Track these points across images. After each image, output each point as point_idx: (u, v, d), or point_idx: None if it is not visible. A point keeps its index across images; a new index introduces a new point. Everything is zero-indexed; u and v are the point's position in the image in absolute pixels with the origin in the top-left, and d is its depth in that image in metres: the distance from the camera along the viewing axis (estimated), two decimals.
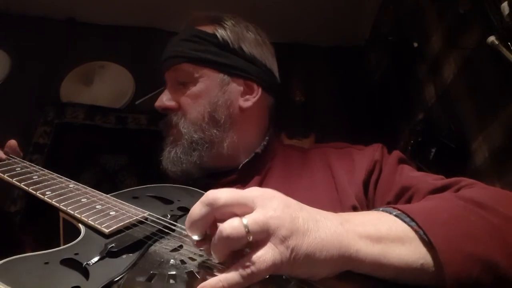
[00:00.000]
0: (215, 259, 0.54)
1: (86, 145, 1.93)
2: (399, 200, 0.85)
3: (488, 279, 0.56)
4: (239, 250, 0.52)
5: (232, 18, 1.09)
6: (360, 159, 0.96)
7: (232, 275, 0.50)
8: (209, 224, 0.54)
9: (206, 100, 1.02)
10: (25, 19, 2.17)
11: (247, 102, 1.05)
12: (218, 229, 0.51)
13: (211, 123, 1.01)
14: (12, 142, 0.98)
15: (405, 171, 0.91)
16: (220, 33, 1.04)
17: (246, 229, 0.50)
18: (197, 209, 0.54)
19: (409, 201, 0.83)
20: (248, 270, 0.49)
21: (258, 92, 1.06)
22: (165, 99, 1.05)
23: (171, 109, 1.04)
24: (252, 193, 0.55)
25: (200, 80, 1.03)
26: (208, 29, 1.05)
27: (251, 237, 0.50)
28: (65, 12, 2.22)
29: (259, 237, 0.51)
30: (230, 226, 0.50)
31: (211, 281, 0.50)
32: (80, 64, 2.12)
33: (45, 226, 0.81)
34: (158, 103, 1.05)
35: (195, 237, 0.56)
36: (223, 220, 0.52)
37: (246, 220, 0.51)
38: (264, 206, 0.53)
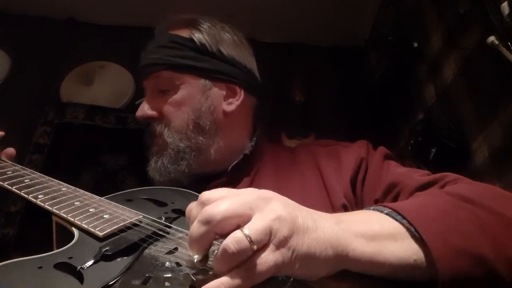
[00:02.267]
0: (219, 274, 0.52)
1: (86, 145, 1.93)
2: (386, 196, 0.86)
3: (478, 272, 0.57)
4: None
5: (208, 20, 1.07)
6: (346, 157, 0.97)
7: (233, 278, 0.49)
8: (211, 240, 0.53)
9: (189, 107, 1.00)
10: (25, 19, 2.17)
11: (231, 105, 1.04)
12: (222, 247, 0.50)
13: (196, 131, 1.00)
14: (11, 151, 0.98)
15: (391, 167, 0.92)
16: (197, 37, 1.02)
17: (249, 239, 0.49)
18: (196, 229, 0.52)
19: (396, 197, 0.84)
20: (249, 272, 0.49)
21: (241, 95, 1.05)
22: (146, 108, 1.03)
23: (153, 118, 1.03)
24: (249, 196, 0.54)
25: (182, 87, 1.01)
26: (184, 33, 1.04)
27: (255, 247, 0.49)
28: (65, 12, 2.22)
29: (263, 243, 0.50)
30: (234, 242, 0.49)
31: (213, 283, 0.49)
32: (80, 64, 2.12)
33: (46, 227, 0.80)
34: (139, 113, 1.04)
35: (197, 257, 0.54)
36: (223, 232, 0.52)
37: (247, 230, 0.50)
38: (263, 209, 0.52)
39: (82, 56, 2.13)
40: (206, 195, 0.55)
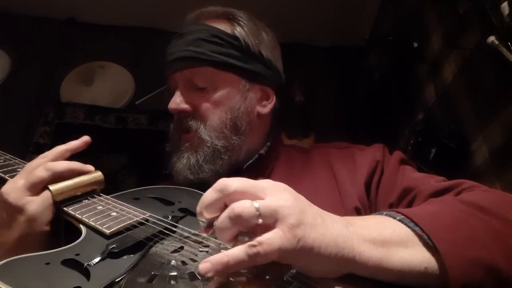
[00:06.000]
0: (220, 238, 0.55)
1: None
2: (401, 201, 0.85)
3: (490, 284, 0.56)
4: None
5: (246, 15, 1.05)
6: (362, 159, 0.96)
7: (238, 252, 0.50)
8: (220, 209, 0.55)
9: (228, 107, 0.98)
10: (25, 19, 2.17)
11: (265, 108, 1.04)
12: (229, 207, 0.52)
13: (233, 130, 0.98)
14: None
15: (407, 172, 0.91)
16: (241, 34, 1.00)
17: (257, 210, 0.51)
18: (209, 194, 0.55)
19: (411, 202, 0.83)
20: (254, 250, 0.50)
21: (273, 98, 1.06)
22: (179, 101, 0.99)
23: (186, 113, 0.99)
24: (264, 184, 0.56)
25: (222, 85, 0.99)
26: (226, 27, 1.01)
27: (260, 220, 0.51)
28: (65, 12, 2.22)
29: (268, 221, 0.52)
30: (242, 205, 0.51)
31: (217, 256, 0.51)
32: (80, 64, 2.12)
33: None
34: (173, 106, 0.99)
35: (204, 222, 0.57)
36: None
37: (257, 203, 0.52)
38: (275, 196, 0.54)
39: (82, 56, 2.14)
40: (223, 179, 0.57)
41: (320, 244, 0.53)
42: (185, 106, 0.99)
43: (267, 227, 0.52)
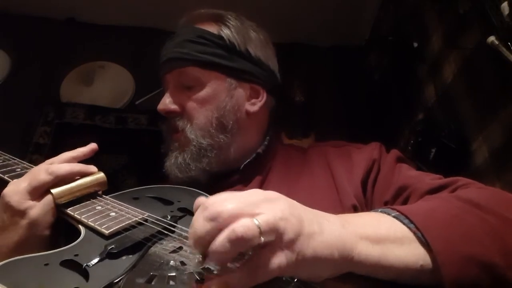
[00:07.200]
0: (215, 263, 0.50)
1: (86, 145, 1.92)
2: (396, 199, 0.86)
3: (486, 280, 0.56)
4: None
5: (235, 16, 1.06)
6: (359, 158, 0.96)
7: (237, 277, 0.49)
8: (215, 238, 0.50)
9: (214, 105, 0.99)
10: (25, 19, 2.17)
11: (254, 106, 1.04)
12: (230, 228, 0.48)
13: (219, 129, 0.99)
14: None
15: (403, 170, 0.91)
16: (226, 34, 1.01)
17: (258, 228, 0.48)
18: (201, 225, 0.50)
19: (406, 200, 0.83)
20: (253, 273, 0.49)
21: (263, 96, 1.06)
22: (168, 102, 1.01)
23: (175, 113, 1.01)
24: (255, 197, 0.53)
25: (208, 84, 1.00)
26: (213, 29, 1.02)
27: (262, 239, 0.48)
28: (65, 12, 2.22)
29: (269, 239, 0.49)
30: (244, 226, 0.48)
31: (216, 283, 0.49)
32: (80, 64, 2.12)
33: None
34: (161, 107, 1.02)
35: (200, 256, 0.52)
36: None
37: (257, 220, 0.49)
38: (271, 208, 0.52)
39: (82, 56, 2.13)
40: (210, 200, 0.53)
41: (319, 252, 0.52)
42: (173, 106, 1.01)
43: (267, 243, 0.50)
